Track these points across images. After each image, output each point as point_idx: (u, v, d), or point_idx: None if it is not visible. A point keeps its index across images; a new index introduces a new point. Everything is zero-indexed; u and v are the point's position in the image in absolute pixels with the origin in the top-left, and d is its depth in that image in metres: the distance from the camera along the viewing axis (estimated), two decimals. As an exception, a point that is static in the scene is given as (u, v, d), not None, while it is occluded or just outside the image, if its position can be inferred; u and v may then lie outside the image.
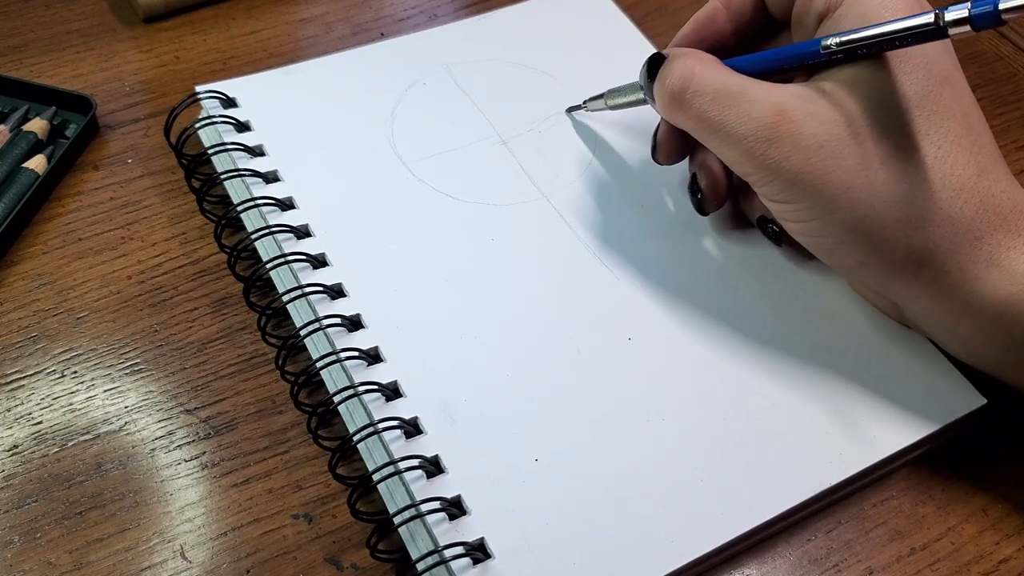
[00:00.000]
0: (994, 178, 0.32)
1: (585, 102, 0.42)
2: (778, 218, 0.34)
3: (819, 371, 0.35)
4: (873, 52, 0.31)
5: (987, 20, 0.27)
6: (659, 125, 0.38)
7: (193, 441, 0.34)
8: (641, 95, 0.38)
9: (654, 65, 0.35)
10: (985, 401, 0.34)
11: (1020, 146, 0.46)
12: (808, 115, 0.31)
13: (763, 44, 0.37)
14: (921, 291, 0.32)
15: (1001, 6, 0.27)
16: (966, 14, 0.28)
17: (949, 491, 0.34)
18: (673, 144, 0.38)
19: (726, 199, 0.38)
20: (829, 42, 0.31)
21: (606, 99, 0.41)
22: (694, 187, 0.38)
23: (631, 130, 0.42)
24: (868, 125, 0.31)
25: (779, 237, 0.37)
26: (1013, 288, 0.31)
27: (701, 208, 0.38)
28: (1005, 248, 0.31)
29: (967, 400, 0.34)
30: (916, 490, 0.34)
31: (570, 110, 0.43)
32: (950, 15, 0.28)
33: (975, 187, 0.31)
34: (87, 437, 0.34)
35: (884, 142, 0.31)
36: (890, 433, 0.33)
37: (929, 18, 0.29)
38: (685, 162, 0.39)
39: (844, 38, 0.31)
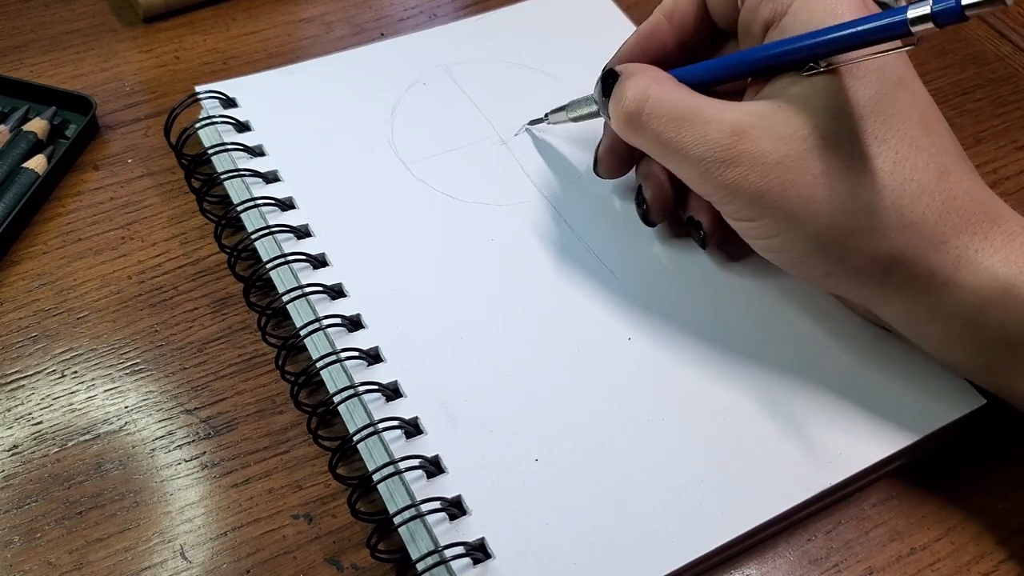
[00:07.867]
0: (955, 179, 0.31)
1: (547, 115, 0.41)
2: (742, 235, 0.34)
3: (819, 371, 0.35)
4: (833, 57, 0.30)
5: (950, 16, 0.26)
6: (601, 139, 0.38)
7: (193, 441, 0.34)
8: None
9: (608, 81, 0.35)
10: (984, 401, 0.34)
11: (1020, 146, 0.46)
12: (764, 132, 0.31)
13: (707, 56, 0.37)
14: (890, 297, 0.32)
15: (964, 0, 0.26)
16: (928, 11, 0.26)
17: (949, 491, 0.34)
18: (614, 160, 0.38)
19: (672, 209, 0.38)
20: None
21: (568, 111, 0.40)
22: (639, 198, 0.37)
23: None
24: (824, 136, 0.30)
25: (704, 241, 0.36)
26: (983, 291, 0.30)
27: (647, 219, 0.37)
28: (972, 251, 0.31)
29: (966, 400, 0.34)
30: (916, 490, 0.34)
31: (532, 123, 0.42)
32: (913, 12, 0.27)
33: (936, 190, 0.31)
34: (87, 437, 0.34)
35: (841, 152, 0.30)
36: (890, 433, 0.33)
37: (895, 17, 0.27)
38: None
39: (815, 44, 0.30)
